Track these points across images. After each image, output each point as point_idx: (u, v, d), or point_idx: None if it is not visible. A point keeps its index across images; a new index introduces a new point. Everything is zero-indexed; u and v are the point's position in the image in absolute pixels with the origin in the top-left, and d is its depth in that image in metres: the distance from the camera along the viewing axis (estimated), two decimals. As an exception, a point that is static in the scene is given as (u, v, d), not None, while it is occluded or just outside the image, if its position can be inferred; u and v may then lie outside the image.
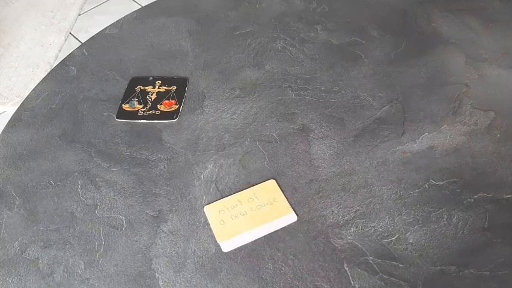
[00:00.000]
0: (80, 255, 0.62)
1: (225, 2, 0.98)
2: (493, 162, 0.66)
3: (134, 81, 0.84)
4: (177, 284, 0.58)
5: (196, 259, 0.60)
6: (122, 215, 0.66)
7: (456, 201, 0.62)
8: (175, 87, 0.82)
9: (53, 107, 0.82)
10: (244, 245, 0.61)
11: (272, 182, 0.66)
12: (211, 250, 0.60)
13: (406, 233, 0.60)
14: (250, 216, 0.62)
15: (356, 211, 0.63)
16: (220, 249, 0.61)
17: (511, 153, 0.67)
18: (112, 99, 0.81)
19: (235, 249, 0.60)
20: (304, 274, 0.58)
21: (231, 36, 0.90)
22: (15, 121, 0.80)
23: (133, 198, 0.68)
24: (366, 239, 0.60)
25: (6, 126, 0.79)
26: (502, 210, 0.61)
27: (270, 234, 0.61)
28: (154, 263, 0.61)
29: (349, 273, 0.57)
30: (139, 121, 0.77)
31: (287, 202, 0.63)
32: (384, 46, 0.84)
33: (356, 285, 0.56)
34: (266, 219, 0.62)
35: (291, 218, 0.62)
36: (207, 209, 0.64)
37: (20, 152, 0.75)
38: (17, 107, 0.83)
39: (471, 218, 0.61)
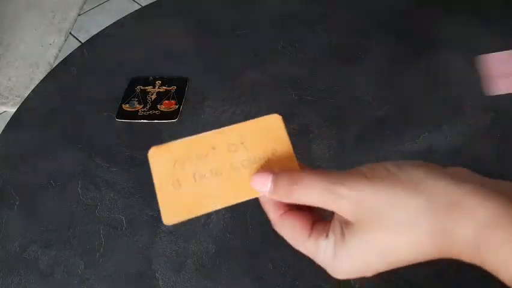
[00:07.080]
0: (80, 255, 0.62)
1: (225, 2, 0.98)
2: (493, 163, 0.66)
3: (134, 81, 0.84)
4: (177, 284, 0.58)
5: (196, 259, 0.60)
6: (122, 215, 0.66)
7: (456, 201, 0.62)
8: (175, 87, 0.82)
9: (53, 107, 0.82)
10: (244, 244, 0.61)
11: (275, 119, 0.37)
12: (211, 250, 0.60)
13: (406, 233, 0.60)
14: (225, 180, 0.34)
15: (356, 211, 0.63)
16: (220, 249, 0.61)
17: (511, 153, 0.67)
18: (112, 99, 0.81)
19: (234, 249, 0.60)
20: (304, 274, 0.58)
21: (231, 36, 0.90)
22: (15, 121, 0.80)
23: (133, 198, 0.68)
24: (366, 239, 0.60)
25: (6, 126, 0.79)
26: (502, 210, 0.61)
27: (270, 233, 0.61)
28: (154, 263, 0.61)
29: (349, 273, 0.57)
30: (139, 121, 0.77)
31: (295, 163, 0.38)
32: (384, 46, 0.84)
33: (356, 285, 0.56)
34: (252, 191, 0.35)
35: None
36: (153, 155, 0.34)
37: (20, 152, 0.75)
38: (17, 107, 0.83)
39: (471, 218, 0.61)
